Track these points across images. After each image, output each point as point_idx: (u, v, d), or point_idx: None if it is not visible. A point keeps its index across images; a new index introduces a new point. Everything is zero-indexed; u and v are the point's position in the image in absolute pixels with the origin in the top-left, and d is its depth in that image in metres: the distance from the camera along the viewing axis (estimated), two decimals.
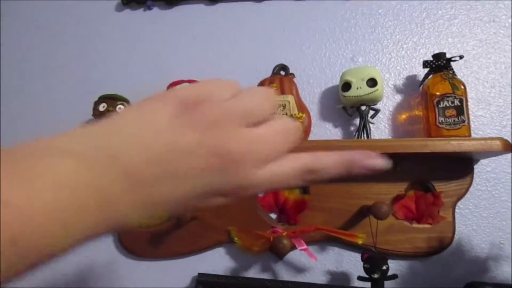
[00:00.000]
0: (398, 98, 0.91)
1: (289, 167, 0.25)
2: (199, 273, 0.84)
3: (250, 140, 0.23)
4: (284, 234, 0.77)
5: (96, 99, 0.88)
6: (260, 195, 0.88)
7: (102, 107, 0.86)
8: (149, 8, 1.00)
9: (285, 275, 0.86)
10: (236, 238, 0.83)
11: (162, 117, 0.24)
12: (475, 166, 0.86)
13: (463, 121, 0.78)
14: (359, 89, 0.82)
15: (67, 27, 1.02)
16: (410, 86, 0.91)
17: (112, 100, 0.87)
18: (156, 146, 0.22)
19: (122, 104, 0.87)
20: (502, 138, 0.75)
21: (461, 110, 0.79)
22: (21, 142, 0.20)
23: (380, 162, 0.26)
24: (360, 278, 0.76)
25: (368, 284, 0.75)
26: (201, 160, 0.22)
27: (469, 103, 0.87)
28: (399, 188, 0.84)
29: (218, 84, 0.26)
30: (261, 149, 0.24)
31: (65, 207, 0.19)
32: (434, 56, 0.84)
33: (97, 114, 0.86)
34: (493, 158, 0.86)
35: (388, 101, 0.91)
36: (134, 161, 0.21)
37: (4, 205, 0.17)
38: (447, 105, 0.79)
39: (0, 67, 1.03)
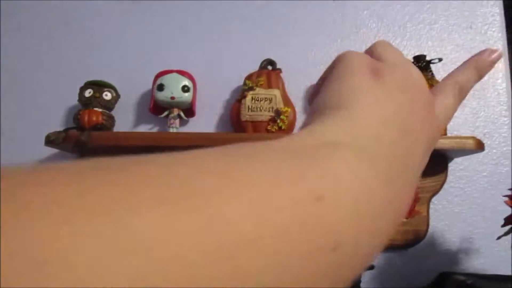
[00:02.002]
0: None
1: (450, 95, 0.24)
2: None
3: (424, 80, 0.23)
4: None
5: (82, 85, 0.87)
6: None
7: (88, 93, 0.85)
8: None
9: None
10: None
11: (368, 84, 0.21)
12: (450, 164, 0.91)
13: None
14: None
15: (55, 13, 1.00)
16: None
17: (98, 86, 0.86)
18: (394, 116, 0.20)
19: (109, 91, 0.87)
20: (475, 137, 0.80)
21: None
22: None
23: (499, 54, 0.26)
24: None
25: None
26: (426, 115, 0.21)
27: None
28: None
29: (381, 45, 0.25)
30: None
31: (367, 198, 0.16)
32: (415, 58, 0.88)
33: (83, 100, 0.85)
34: (466, 157, 0.91)
35: None
36: (393, 136, 0.19)
37: (316, 199, 0.13)
38: None
39: None
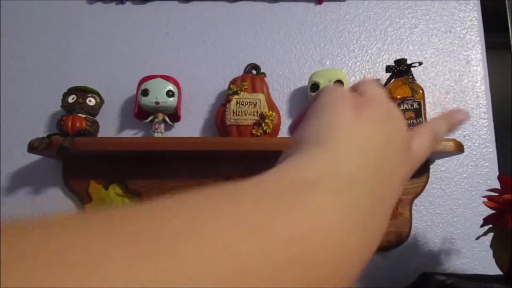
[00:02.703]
0: None
1: (425, 139, 0.26)
2: None
3: (403, 119, 0.24)
4: None
5: (65, 90, 0.86)
6: None
7: (71, 98, 0.85)
8: (122, 2, 0.99)
9: None
10: None
11: (348, 119, 0.21)
12: (431, 166, 0.93)
13: (421, 123, 0.84)
14: None
15: (38, 18, 1.00)
16: None
17: (82, 92, 0.86)
18: (372, 153, 0.20)
19: (93, 97, 0.86)
20: (455, 139, 0.82)
21: (419, 112, 0.85)
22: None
23: (467, 116, 0.28)
24: None
25: None
26: (403, 151, 0.22)
27: (426, 107, 0.94)
28: None
29: (367, 82, 0.26)
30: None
31: (341, 240, 0.16)
32: (396, 61, 0.89)
33: (66, 106, 0.85)
34: (447, 158, 0.93)
35: None
36: (369, 175, 0.19)
37: (288, 243, 0.14)
38: (407, 107, 0.85)
39: None
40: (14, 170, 0.92)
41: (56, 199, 0.91)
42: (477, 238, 0.69)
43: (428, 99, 0.96)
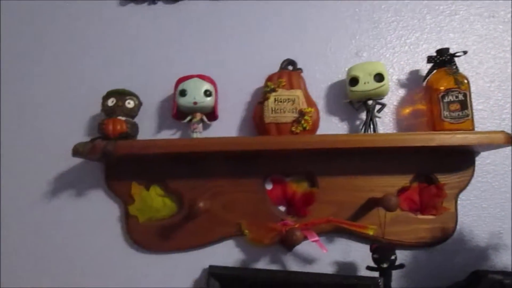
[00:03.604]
0: (402, 92, 0.93)
1: None
2: (210, 266, 0.85)
3: None
4: (296, 226, 0.78)
5: (104, 94, 0.87)
6: (269, 188, 0.90)
7: (111, 102, 0.86)
8: (154, 2, 0.99)
9: (294, 266, 0.88)
10: (246, 231, 0.84)
11: None
12: (476, 159, 0.89)
13: (467, 115, 0.81)
14: (367, 84, 0.83)
15: (73, 23, 1.01)
16: (413, 81, 0.93)
17: (120, 95, 0.86)
18: None
19: (131, 99, 0.87)
20: (504, 131, 0.78)
21: (465, 104, 0.81)
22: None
23: None
24: (369, 268, 0.78)
25: (375, 273, 0.78)
26: None
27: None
28: (403, 180, 0.87)
29: None
30: None
31: None
32: (438, 51, 0.86)
33: (106, 109, 0.86)
34: (493, 150, 0.89)
35: (392, 96, 0.93)
36: None
37: None
38: (452, 99, 0.82)
39: (0, 65, 1.01)
40: (57, 173, 0.94)
41: (99, 201, 0.92)
42: None
43: (472, 89, 0.91)
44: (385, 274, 0.76)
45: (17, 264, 0.92)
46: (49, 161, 0.94)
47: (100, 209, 0.92)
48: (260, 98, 0.88)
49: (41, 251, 0.92)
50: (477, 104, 0.92)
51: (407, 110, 0.93)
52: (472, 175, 0.88)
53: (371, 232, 0.78)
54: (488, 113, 0.92)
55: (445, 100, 0.82)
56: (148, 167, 0.90)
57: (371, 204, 0.85)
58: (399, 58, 0.95)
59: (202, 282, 0.87)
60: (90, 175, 0.93)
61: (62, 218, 0.93)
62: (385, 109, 0.91)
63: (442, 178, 0.87)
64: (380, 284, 0.70)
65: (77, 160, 0.92)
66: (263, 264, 0.88)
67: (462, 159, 0.87)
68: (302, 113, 0.83)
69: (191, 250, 0.89)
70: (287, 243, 0.81)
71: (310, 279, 0.77)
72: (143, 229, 0.89)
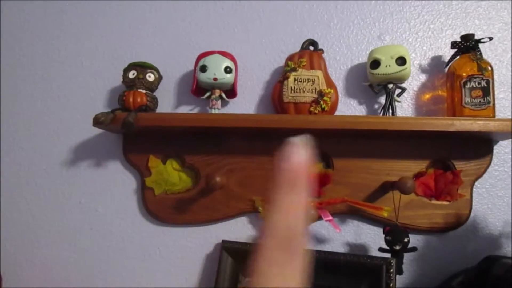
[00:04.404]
0: (422, 77, 0.92)
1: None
2: (223, 240, 0.86)
3: None
4: (311, 204, 0.79)
5: (125, 66, 0.88)
6: None
7: (132, 74, 0.86)
8: None
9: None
10: (260, 208, 0.85)
11: None
12: (495, 147, 0.89)
13: (489, 102, 0.80)
14: (388, 67, 0.83)
15: None
16: (435, 67, 0.92)
17: (141, 67, 0.87)
18: None
19: (152, 72, 0.87)
20: None
21: (487, 91, 0.80)
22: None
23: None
24: (381, 250, 0.79)
25: (387, 255, 0.78)
26: None
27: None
28: (420, 165, 0.87)
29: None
30: None
31: None
32: (463, 37, 0.85)
33: (127, 81, 0.86)
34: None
35: (413, 81, 0.92)
36: None
37: None
38: (474, 86, 0.81)
39: (3, 42, 1.02)
40: (77, 143, 0.96)
41: (116, 172, 0.94)
42: None
43: (494, 77, 0.91)
44: (397, 256, 0.77)
45: (37, 232, 0.95)
46: (70, 131, 0.96)
47: (117, 180, 0.94)
48: (280, 77, 0.88)
49: (60, 219, 0.95)
50: (499, 92, 0.91)
51: (427, 96, 0.92)
52: (489, 164, 0.87)
53: (385, 214, 0.78)
54: (509, 102, 0.91)
55: (467, 86, 0.81)
56: (166, 141, 0.91)
57: (386, 187, 0.85)
58: (422, 43, 0.94)
59: (215, 256, 0.88)
60: (109, 146, 0.94)
61: (81, 187, 0.95)
62: (405, 94, 0.91)
63: (459, 165, 0.86)
64: (392, 264, 0.71)
65: (97, 132, 0.94)
66: None
67: (480, 147, 0.87)
68: (321, 94, 0.83)
69: (205, 224, 0.91)
70: None
71: (323, 257, 0.78)
72: (158, 201, 0.90)
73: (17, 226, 0.96)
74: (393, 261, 0.72)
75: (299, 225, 0.25)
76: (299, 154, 0.26)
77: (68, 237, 0.94)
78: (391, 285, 0.69)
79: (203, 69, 0.85)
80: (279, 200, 0.26)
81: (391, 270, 0.70)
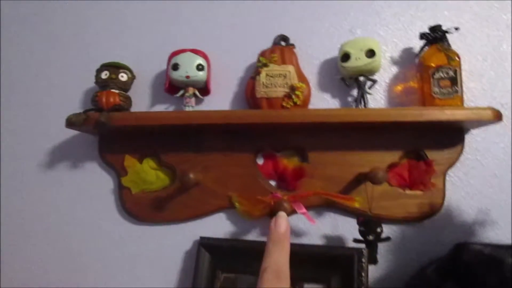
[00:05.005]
0: (394, 70, 0.94)
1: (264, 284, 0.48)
2: (201, 237, 0.87)
3: None
4: (284, 198, 0.80)
5: (98, 67, 0.88)
6: (260, 163, 0.91)
7: (104, 74, 0.87)
8: None
9: None
10: (237, 204, 0.86)
11: None
12: (466, 136, 0.90)
13: (457, 92, 0.81)
14: (358, 60, 0.84)
15: None
16: (407, 58, 0.93)
17: (114, 68, 0.87)
18: None
19: (124, 72, 0.88)
20: (493, 108, 0.79)
21: (455, 80, 0.82)
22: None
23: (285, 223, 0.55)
24: (355, 240, 0.80)
25: (362, 245, 0.79)
26: None
27: (463, 76, 0.91)
28: (393, 156, 0.88)
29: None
30: None
31: None
32: (431, 28, 0.86)
33: (100, 82, 0.87)
34: (483, 128, 0.90)
35: (385, 73, 0.93)
36: None
37: None
38: (442, 76, 0.82)
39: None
40: (53, 146, 0.96)
41: (93, 173, 0.94)
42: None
43: (464, 67, 0.92)
44: (371, 246, 0.78)
45: (14, 233, 0.95)
46: (45, 134, 0.96)
47: (94, 181, 0.94)
48: (253, 73, 0.88)
49: (37, 221, 0.95)
50: (469, 82, 0.92)
51: (399, 88, 0.93)
52: (461, 152, 0.89)
53: (357, 205, 0.79)
54: (480, 91, 0.92)
55: (435, 77, 0.83)
56: (141, 141, 0.91)
57: (360, 179, 0.86)
58: (392, 36, 0.95)
59: (193, 252, 0.89)
60: (85, 147, 0.95)
61: (58, 189, 0.95)
62: (377, 87, 0.92)
63: (431, 155, 0.87)
64: (364, 253, 0.72)
65: (72, 133, 0.94)
66: (253, 236, 0.90)
67: (451, 136, 0.88)
68: (293, 88, 0.84)
69: (183, 222, 0.91)
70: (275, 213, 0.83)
71: (297, 249, 0.79)
72: (136, 200, 0.90)
73: None
74: (365, 251, 0.73)
75: (285, 264, 0.43)
76: (284, 223, 0.52)
77: (46, 239, 0.94)
78: (363, 274, 0.70)
79: (175, 67, 0.86)
80: (272, 249, 0.47)
81: (363, 260, 0.71)
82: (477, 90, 0.92)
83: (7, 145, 0.97)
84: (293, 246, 0.82)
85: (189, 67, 0.85)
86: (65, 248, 0.93)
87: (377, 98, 0.92)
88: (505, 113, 0.91)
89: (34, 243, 0.94)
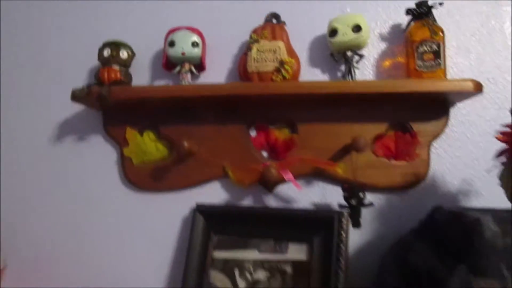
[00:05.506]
0: (383, 46, 0.97)
1: None
2: (197, 203, 0.93)
3: None
4: (273, 165, 0.85)
5: (101, 45, 0.94)
6: (253, 135, 0.96)
7: (106, 52, 0.93)
8: None
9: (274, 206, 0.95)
10: (230, 172, 0.91)
11: None
12: (452, 110, 0.93)
13: (439, 65, 0.85)
14: (345, 35, 0.87)
15: None
16: (395, 34, 0.96)
17: (115, 45, 0.93)
18: None
19: (125, 50, 0.94)
20: (474, 79, 0.82)
21: (438, 54, 0.85)
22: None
23: None
24: (340, 206, 0.85)
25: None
26: None
27: (449, 50, 0.94)
28: (379, 128, 0.92)
29: None
30: None
31: None
32: (417, 4, 0.89)
33: (102, 59, 0.93)
34: (469, 102, 0.93)
35: (373, 49, 0.97)
36: None
37: None
38: (426, 49, 0.85)
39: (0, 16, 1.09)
40: (61, 121, 1.03)
41: (98, 146, 1.01)
42: (489, 171, 0.71)
43: (452, 43, 0.95)
44: (354, 210, 0.83)
45: (23, 203, 1.03)
46: (54, 110, 1.03)
47: (99, 153, 1.01)
48: (245, 49, 0.93)
49: (45, 191, 1.02)
50: (457, 57, 0.95)
51: (387, 63, 0.96)
52: (445, 124, 0.92)
53: (339, 170, 0.84)
54: (467, 66, 0.95)
55: (419, 50, 0.86)
56: (142, 115, 0.97)
57: (347, 149, 0.90)
58: (381, 12, 0.98)
59: (190, 218, 0.95)
60: (90, 122, 1.01)
61: (65, 160, 1.02)
62: (366, 62, 0.95)
63: (416, 127, 0.91)
64: (344, 215, 0.77)
65: (78, 109, 1.01)
66: (245, 203, 0.95)
67: (436, 109, 0.91)
68: (282, 63, 0.89)
69: (180, 190, 0.97)
70: (265, 182, 0.88)
71: (284, 213, 0.85)
72: (137, 170, 0.97)
73: (4, 199, 1.03)
74: (345, 213, 0.78)
75: None
76: None
77: (53, 208, 1.01)
78: (343, 233, 0.74)
79: (172, 44, 0.91)
80: None
81: (343, 220, 0.75)
82: (464, 65, 0.95)
83: (17, 119, 1.05)
84: (280, 210, 0.89)
85: (184, 44, 0.91)
86: (71, 216, 1.01)
87: (365, 73, 0.96)
88: (491, 87, 0.94)
89: (42, 211, 1.02)
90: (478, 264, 0.54)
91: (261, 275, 0.80)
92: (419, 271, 0.67)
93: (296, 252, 0.79)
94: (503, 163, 0.69)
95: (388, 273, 0.78)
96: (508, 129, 0.69)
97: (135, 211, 0.99)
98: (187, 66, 0.93)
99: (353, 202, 0.82)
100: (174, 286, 0.94)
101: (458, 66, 0.95)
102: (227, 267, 0.84)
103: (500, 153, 0.70)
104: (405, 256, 0.73)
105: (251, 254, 0.83)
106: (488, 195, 0.91)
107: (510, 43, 0.94)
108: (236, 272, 0.83)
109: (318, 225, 0.77)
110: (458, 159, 0.93)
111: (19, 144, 1.05)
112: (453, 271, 0.56)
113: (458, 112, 0.94)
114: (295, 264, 0.78)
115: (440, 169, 0.93)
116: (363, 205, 0.83)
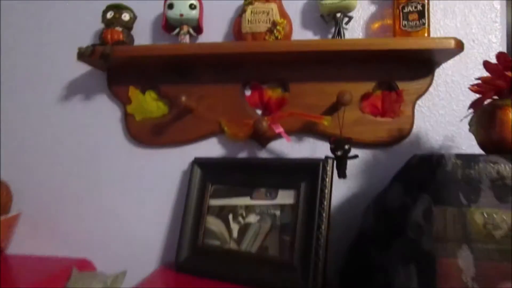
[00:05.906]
0: (372, 8, 1.01)
1: None
2: (195, 157, 1.00)
3: None
4: (264, 118, 0.91)
5: (104, 8, 1.00)
6: (248, 94, 1.02)
7: (109, 14, 0.98)
8: None
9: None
10: (225, 127, 0.98)
11: None
12: (437, 70, 0.98)
13: (424, 24, 0.89)
14: None
15: None
16: None
17: (117, 8, 0.99)
18: None
19: (127, 12, 0.99)
20: (455, 37, 0.86)
21: (422, 14, 0.89)
22: None
23: None
24: (326, 157, 0.91)
25: None
26: None
27: (436, 13, 0.98)
28: (367, 87, 0.97)
29: None
30: None
31: None
32: None
33: (105, 21, 0.99)
34: (454, 63, 0.97)
35: (363, 12, 1.01)
36: None
37: None
38: (411, 9, 0.90)
39: None
40: (68, 81, 1.10)
41: (103, 104, 1.08)
42: (461, 120, 0.77)
43: (439, 6, 0.99)
44: (340, 161, 0.89)
45: (34, 156, 1.11)
46: (62, 70, 1.10)
47: (104, 110, 1.08)
48: (240, 11, 0.98)
49: (54, 146, 1.10)
50: (444, 19, 0.99)
51: (376, 25, 1.01)
52: (430, 83, 0.97)
53: (326, 123, 0.90)
54: (453, 28, 0.99)
55: (405, 11, 0.90)
56: (144, 74, 1.03)
57: (335, 106, 0.96)
58: None
59: (189, 171, 1.02)
60: (96, 82, 1.08)
61: (72, 117, 1.09)
62: (356, 24, 1.00)
63: (402, 85, 0.96)
64: (328, 163, 0.83)
65: (85, 70, 1.07)
66: (240, 156, 1.02)
67: (421, 68, 0.96)
68: (274, 24, 0.94)
69: (180, 145, 1.04)
70: (259, 136, 0.95)
71: (273, 162, 0.92)
72: (139, 126, 1.04)
73: (17, 152, 1.11)
74: (330, 160, 0.84)
75: None
76: None
77: (64, 160, 1.09)
78: (327, 179, 0.81)
79: (171, 6, 0.96)
80: None
81: (327, 167, 0.82)
82: (450, 27, 0.99)
83: (28, 79, 1.12)
84: (270, 160, 0.95)
85: (182, 6, 0.96)
86: (78, 170, 1.08)
87: (355, 36, 1.01)
88: (476, 49, 0.98)
89: (53, 162, 1.09)
90: (440, 194, 0.60)
91: (252, 218, 0.87)
92: (393, 208, 0.73)
93: (285, 197, 0.85)
94: (473, 111, 0.74)
95: (368, 215, 0.85)
96: (480, 81, 0.75)
97: (138, 164, 1.06)
98: (185, 28, 0.99)
99: (339, 153, 0.88)
100: (174, 230, 1.02)
101: (444, 28, 0.99)
102: (222, 213, 0.92)
103: (473, 103, 0.75)
104: (384, 197, 0.80)
105: (243, 201, 0.90)
106: (469, 151, 0.96)
107: (496, 6, 0.98)
108: (230, 217, 0.90)
109: (305, 172, 0.84)
110: (442, 117, 0.98)
111: (30, 102, 1.12)
112: (417, 201, 0.62)
113: (443, 72, 0.99)
114: (283, 207, 0.85)
115: (424, 126, 0.98)
116: (348, 156, 0.89)
